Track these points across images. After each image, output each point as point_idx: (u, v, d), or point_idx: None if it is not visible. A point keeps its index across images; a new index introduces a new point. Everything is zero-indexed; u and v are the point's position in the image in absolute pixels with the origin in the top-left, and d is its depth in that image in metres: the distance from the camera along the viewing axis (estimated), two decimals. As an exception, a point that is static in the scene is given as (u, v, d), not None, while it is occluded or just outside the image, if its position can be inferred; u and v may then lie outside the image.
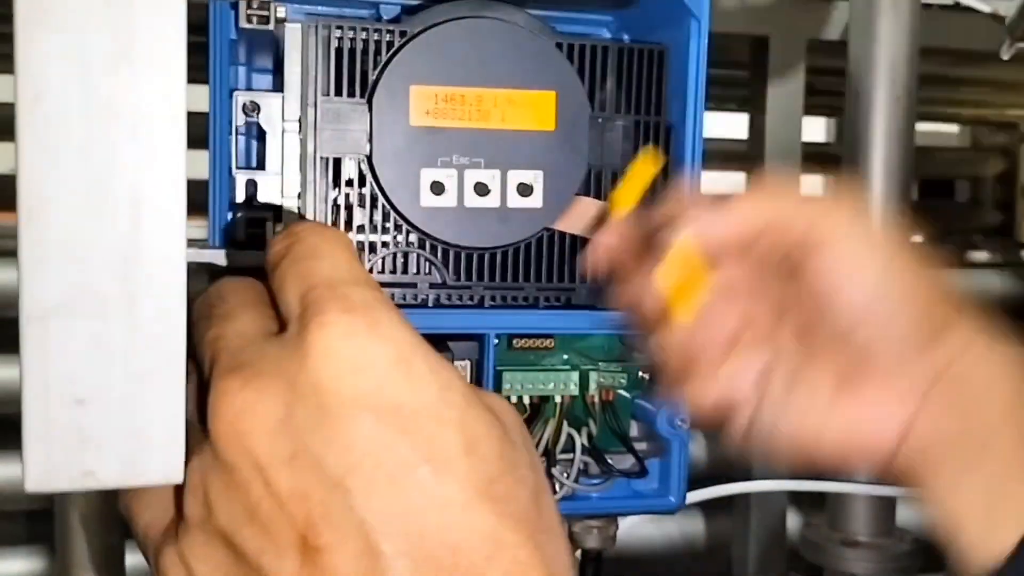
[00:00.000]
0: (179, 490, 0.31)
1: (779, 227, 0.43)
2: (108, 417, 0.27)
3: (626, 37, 0.55)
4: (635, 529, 1.46)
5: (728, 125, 2.05)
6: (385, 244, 0.47)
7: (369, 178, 0.47)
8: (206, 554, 0.29)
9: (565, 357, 0.54)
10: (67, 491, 0.28)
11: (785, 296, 0.44)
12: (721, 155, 2.07)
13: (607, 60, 0.49)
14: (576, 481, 0.52)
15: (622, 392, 0.54)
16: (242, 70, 0.52)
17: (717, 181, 2.15)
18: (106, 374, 0.27)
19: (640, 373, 0.54)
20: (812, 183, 1.80)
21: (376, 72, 0.46)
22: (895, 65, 0.92)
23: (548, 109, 0.48)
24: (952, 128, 2.72)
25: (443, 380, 0.29)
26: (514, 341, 0.52)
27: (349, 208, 0.47)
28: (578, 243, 0.49)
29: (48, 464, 0.27)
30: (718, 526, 1.65)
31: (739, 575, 1.58)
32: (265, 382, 0.29)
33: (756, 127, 1.63)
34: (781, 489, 0.91)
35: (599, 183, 0.49)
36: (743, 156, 1.70)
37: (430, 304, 0.49)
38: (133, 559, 1.57)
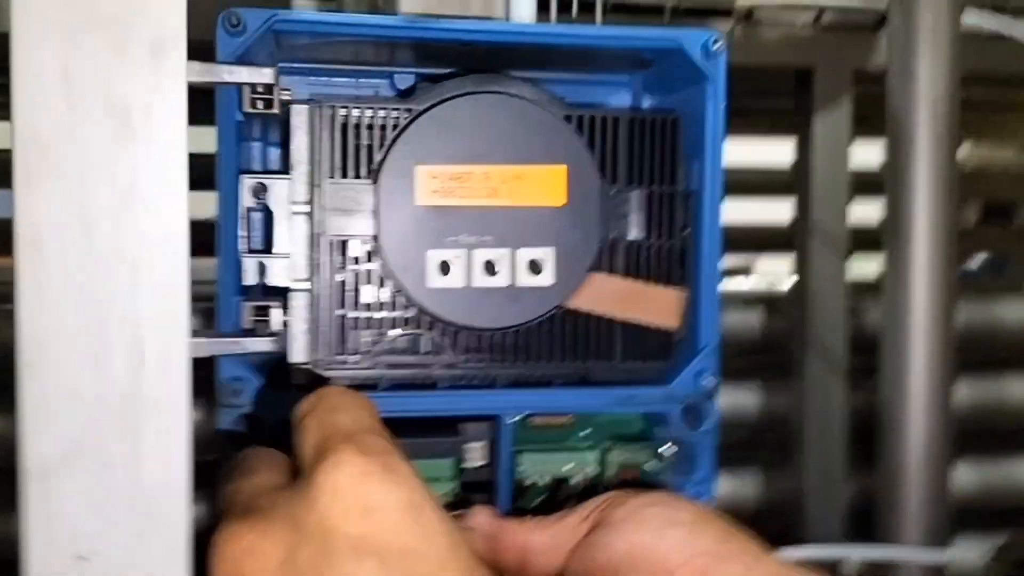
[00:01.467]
0: None
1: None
2: (111, 574, 0.26)
3: (646, 98, 0.54)
4: None
5: (774, 153, 2.02)
6: (394, 322, 0.46)
7: (378, 259, 0.46)
8: None
9: (586, 432, 0.52)
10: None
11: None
12: (767, 184, 2.04)
13: (618, 131, 0.48)
14: (597, 563, 0.50)
15: (646, 468, 0.52)
16: (256, 146, 0.51)
17: (764, 211, 2.12)
18: (109, 529, 0.26)
19: (661, 449, 0.52)
20: (866, 211, 1.76)
21: (381, 153, 0.45)
22: (935, 95, 0.88)
23: (559, 184, 0.46)
24: (1009, 152, 2.65)
25: (453, 532, 0.29)
26: (530, 419, 0.51)
27: (356, 287, 0.46)
28: (591, 321, 0.48)
29: None
30: None
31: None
32: (270, 524, 0.28)
33: (803, 157, 1.60)
34: (822, 557, 0.87)
35: (612, 257, 0.48)
36: (790, 184, 1.67)
37: (441, 386, 0.47)
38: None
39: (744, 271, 2.41)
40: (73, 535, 0.26)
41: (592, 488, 0.51)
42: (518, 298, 0.46)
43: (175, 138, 0.25)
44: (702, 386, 0.50)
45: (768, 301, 1.82)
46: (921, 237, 0.87)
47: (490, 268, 0.46)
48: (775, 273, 2.17)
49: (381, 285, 0.46)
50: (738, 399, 1.69)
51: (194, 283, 0.46)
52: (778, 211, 2.01)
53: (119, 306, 0.25)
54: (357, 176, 0.45)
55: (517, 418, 0.50)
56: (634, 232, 0.48)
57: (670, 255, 0.49)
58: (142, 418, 0.26)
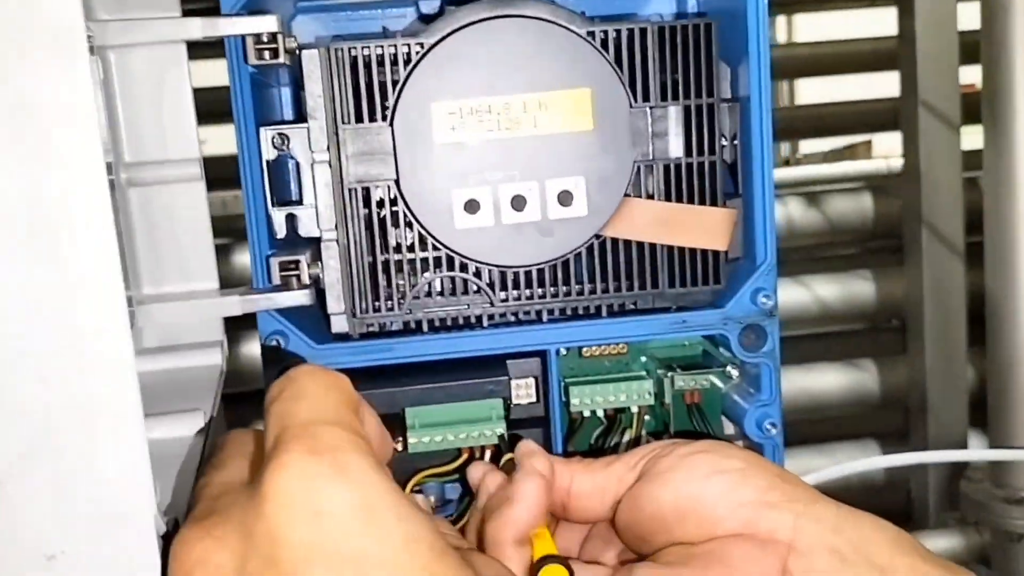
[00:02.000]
0: None
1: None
2: (80, 570, 0.26)
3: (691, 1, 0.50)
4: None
5: (876, 24, 1.90)
6: (426, 264, 0.45)
7: (400, 203, 0.44)
8: None
9: (643, 359, 0.50)
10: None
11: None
12: (871, 59, 1.92)
13: (647, 43, 0.44)
14: (661, 494, 0.49)
15: (716, 381, 0.50)
16: (286, 91, 0.50)
17: (870, 87, 2.00)
18: (74, 527, 0.26)
19: (728, 368, 0.50)
20: (974, 74, 1.64)
21: (395, 92, 0.43)
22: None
23: (584, 107, 0.44)
24: None
25: (410, 531, 0.27)
26: (583, 350, 0.49)
27: (384, 231, 0.45)
28: (631, 249, 0.45)
29: None
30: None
31: (919, 510, 1.50)
32: (225, 531, 0.27)
33: (906, 25, 1.50)
34: (936, 461, 0.83)
35: (651, 180, 0.45)
36: (894, 56, 1.57)
37: (485, 324, 0.46)
38: None
39: (852, 153, 2.30)
40: (39, 536, 0.26)
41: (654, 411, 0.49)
42: (551, 232, 0.44)
43: (87, 133, 0.24)
44: (761, 305, 0.47)
45: (879, 184, 1.74)
46: (1022, 106, 0.80)
47: (519, 203, 0.44)
48: (885, 153, 2.06)
49: (409, 229, 0.45)
50: (853, 288, 1.63)
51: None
52: (884, 86, 1.90)
53: (57, 314, 0.25)
54: (373, 119, 0.44)
55: (565, 351, 0.48)
56: (673, 150, 0.45)
57: (713, 171, 0.45)
58: (93, 419, 0.26)
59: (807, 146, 2.79)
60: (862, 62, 1.98)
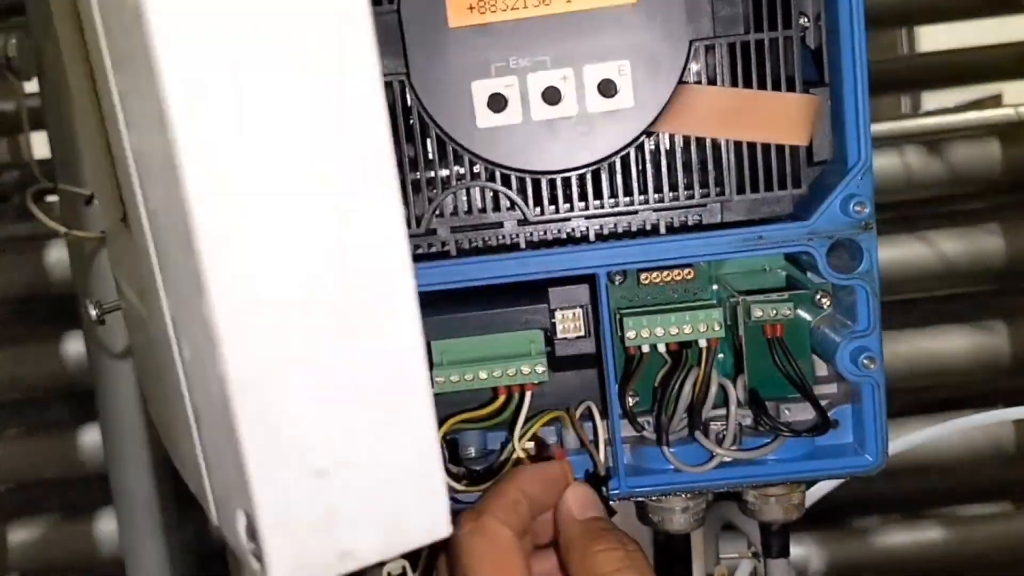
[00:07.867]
0: None
1: None
2: (354, 486, 0.21)
3: None
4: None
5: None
6: (448, 177, 0.38)
7: (413, 102, 0.38)
8: None
9: (714, 288, 0.43)
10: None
11: None
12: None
13: None
14: (736, 443, 0.41)
15: (802, 313, 0.42)
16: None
17: (997, 29, 1.85)
18: (344, 435, 0.21)
19: (817, 296, 0.42)
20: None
21: (402, -33, 0.37)
22: None
23: (627, -25, 0.36)
24: None
25: None
26: (642, 275, 0.42)
27: (397, 140, 0.38)
28: (690, 147, 0.38)
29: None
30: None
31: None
32: None
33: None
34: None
35: (710, 62, 0.37)
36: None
37: (522, 246, 0.39)
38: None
39: (980, 102, 2.14)
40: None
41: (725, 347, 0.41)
42: (591, 129, 0.37)
43: None
44: (854, 215, 0.39)
45: (1009, 132, 1.59)
46: None
47: (551, 96, 0.37)
48: (1015, 101, 1.90)
49: (424, 135, 0.38)
50: (981, 244, 1.50)
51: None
52: (1015, 29, 1.75)
53: None
54: (377, 1, 0.37)
55: (621, 277, 0.41)
56: (739, 25, 0.37)
57: (790, 49, 0.37)
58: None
59: (929, 102, 2.62)
60: (989, 2, 1.83)
